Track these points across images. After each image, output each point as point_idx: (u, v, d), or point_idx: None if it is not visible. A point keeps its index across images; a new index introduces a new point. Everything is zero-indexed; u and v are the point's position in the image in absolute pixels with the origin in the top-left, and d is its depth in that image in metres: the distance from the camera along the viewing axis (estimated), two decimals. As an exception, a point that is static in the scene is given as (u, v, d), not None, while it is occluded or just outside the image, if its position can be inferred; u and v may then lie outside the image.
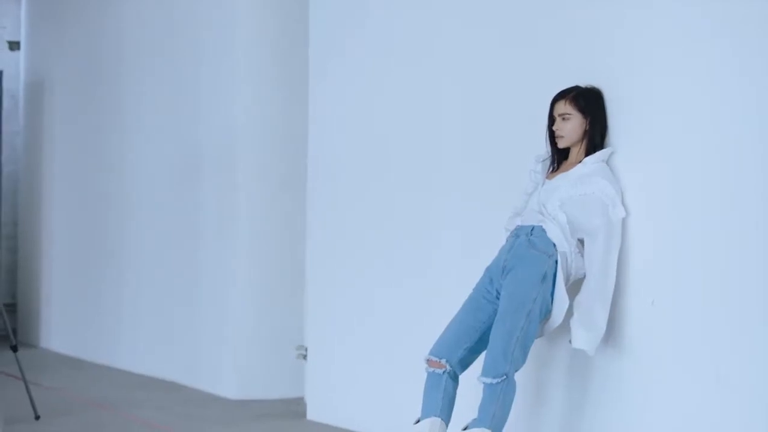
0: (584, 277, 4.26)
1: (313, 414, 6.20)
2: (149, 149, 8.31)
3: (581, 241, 4.30)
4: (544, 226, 4.28)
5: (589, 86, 4.37)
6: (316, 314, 6.30)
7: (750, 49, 3.84)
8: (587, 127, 4.32)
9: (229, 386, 7.12)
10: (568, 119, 4.32)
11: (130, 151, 8.57)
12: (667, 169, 4.12)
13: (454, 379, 4.30)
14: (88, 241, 9.30)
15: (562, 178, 4.34)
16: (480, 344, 4.29)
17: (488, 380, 4.11)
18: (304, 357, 6.45)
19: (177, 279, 7.89)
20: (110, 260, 8.85)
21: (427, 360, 4.32)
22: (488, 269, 4.40)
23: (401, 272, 5.58)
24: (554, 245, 4.25)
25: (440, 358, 4.28)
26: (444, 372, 4.27)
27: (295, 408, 6.59)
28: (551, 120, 4.39)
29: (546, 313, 4.25)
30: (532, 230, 4.30)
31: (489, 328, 4.25)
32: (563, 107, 4.34)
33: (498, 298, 4.28)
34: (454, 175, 5.23)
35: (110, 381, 7.95)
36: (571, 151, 4.40)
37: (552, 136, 4.40)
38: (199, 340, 7.53)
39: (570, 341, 4.19)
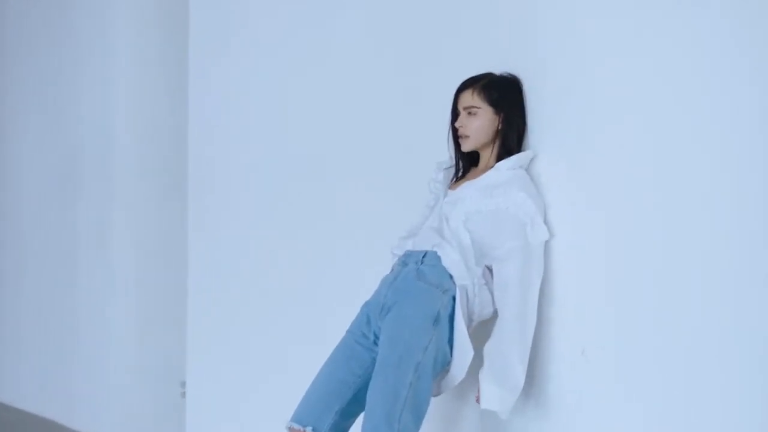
0: (493, 316, 3.29)
1: (193, 460, 5.43)
2: (25, 160, 7.58)
3: (490, 269, 3.31)
4: (439, 252, 3.29)
5: (505, 74, 3.41)
6: (196, 347, 5.48)
7: (702, 31, 2.90)
8: (500, 126, 3.35)
9: (107, 427, 6.34)
10: (475, 114, 3.36)
11: (7, 163, 7.83)
12: (600, 178, 3.16)
13: (326, 452, 3.29)
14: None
15: (468, 186, 3.37)
16: (356, 405, 3.29)
17: (369, 455, 3.09)
18: (184, 394, 5.66)
19: (56, 306, 7.13)
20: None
21: (288, 428, 3.29)
22: (366, 305, 3.40)
23: (288, 300, 4.77)
24: (451, 277, 3.27)
25: (304, 426, 3.25)
26: (311, 444, 3.25)
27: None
28: (455, 115, 3.43)
29: (443, 365, 3.25)
30: (423, 257, 3.31)
31: (367, 383, 3.25)
32: (470, 99, 3.36)
33: (377, 344, 3.29)
34: (346, 190, 4.40)
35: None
36: (480, 157, 3.44)
37: (456, 136, 3.44)
38: (77, 376, 6.77)
39: (477, 400, 3.24)
